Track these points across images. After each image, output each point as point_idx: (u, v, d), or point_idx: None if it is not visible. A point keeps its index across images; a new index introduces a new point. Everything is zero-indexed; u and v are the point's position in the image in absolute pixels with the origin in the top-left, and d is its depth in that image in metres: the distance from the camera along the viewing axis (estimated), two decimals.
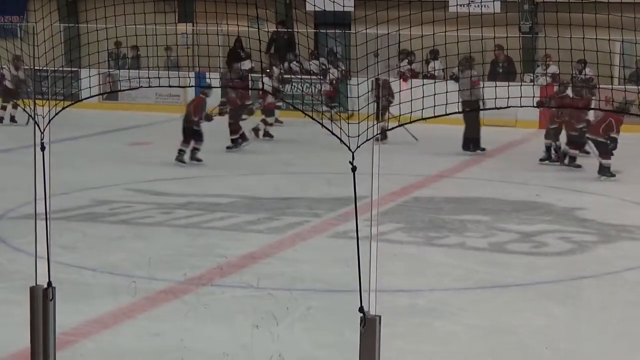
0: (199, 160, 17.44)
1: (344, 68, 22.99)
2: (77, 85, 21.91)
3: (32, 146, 5.27)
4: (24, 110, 5.43)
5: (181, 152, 17.47)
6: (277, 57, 26.21)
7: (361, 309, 4.55)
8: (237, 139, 19.30)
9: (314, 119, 5.09)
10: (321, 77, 23.36)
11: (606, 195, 14.80)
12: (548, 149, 17.90)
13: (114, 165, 17.19)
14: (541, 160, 17.86)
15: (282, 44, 26.94)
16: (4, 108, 23.61)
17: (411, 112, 4.77)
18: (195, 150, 17.57)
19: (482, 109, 21.35)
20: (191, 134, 17.52)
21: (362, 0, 5.17)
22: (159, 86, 5.35)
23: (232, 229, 12.10)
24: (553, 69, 22.43)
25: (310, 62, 25.32)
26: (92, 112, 22.47)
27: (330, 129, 4.90)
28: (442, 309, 8.90)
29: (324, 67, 24.36)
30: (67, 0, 28.66)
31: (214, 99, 19.56)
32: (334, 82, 22.48)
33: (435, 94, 4.90)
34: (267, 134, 21.10)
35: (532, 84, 21.07)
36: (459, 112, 4.80)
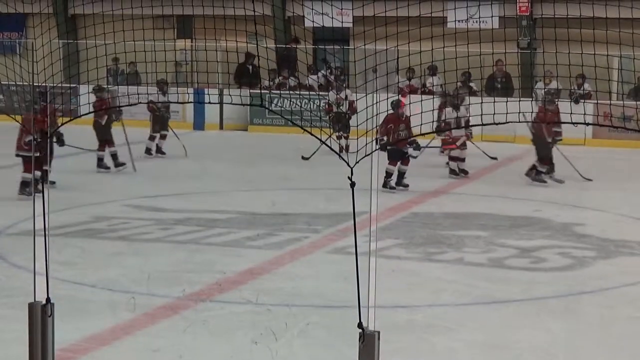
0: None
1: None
2: (76, 102, 21.98)
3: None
4: (23, 126, 5.42)
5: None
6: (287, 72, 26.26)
7: (360, 325, 4.54)
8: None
9: (313, 135, 5.09)
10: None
11: (605, 211, 14.80)
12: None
13: (113, 181, 17.19)
14: (392, 187, 16.60)
15: (292, 59, 27.00)
16: (152, 138, 20.95)
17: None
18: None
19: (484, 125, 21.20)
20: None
21: (360, 16, 5.18)
22: (159, 102, 5.35)
23: (230, 244, 12.09)
24: (553, 85, 22.48)
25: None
26: (91, 128, 22.44)
27: (329, 145, 4.91)
28: (441, 324, 8.88)
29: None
30: (66, 16, 28.76)
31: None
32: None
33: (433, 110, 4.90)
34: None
35: (531, 99, 21.13)
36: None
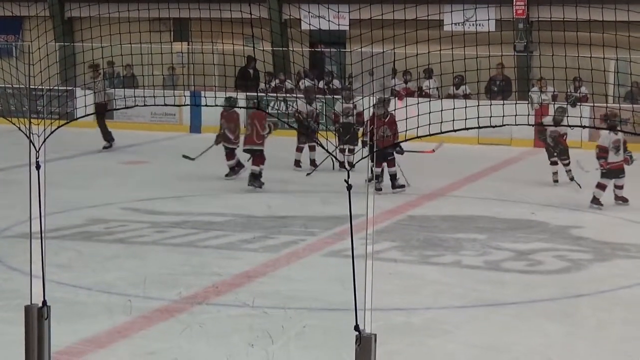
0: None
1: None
2: (72, 104, 21.94)
3: (27, 165, 5.26)
4: (19, 129, 5.41)
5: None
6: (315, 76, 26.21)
7: (356, 328, 4.54)
8: None
9: (311, 138, 5.09)
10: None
11: (601, 214, 14.81)
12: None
13: (109, 184, 17.17)
14: (378, 189, 16.10)
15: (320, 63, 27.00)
16: (300, 149, 19.46)
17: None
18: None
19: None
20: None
21: (357, 19, 5.19)
22: (155, 105, 5.36)
23: (227, 247, 12.09)
24: (549, 89, 22.48)
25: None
26: (87, 131, 22.45)
27: (326, 148, 4.91)
28: (438, 327, 8.89)
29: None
30: (62, 19, 28.76)
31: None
32: None
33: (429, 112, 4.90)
34: None
35: (528, 102, 21.16)
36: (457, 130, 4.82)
